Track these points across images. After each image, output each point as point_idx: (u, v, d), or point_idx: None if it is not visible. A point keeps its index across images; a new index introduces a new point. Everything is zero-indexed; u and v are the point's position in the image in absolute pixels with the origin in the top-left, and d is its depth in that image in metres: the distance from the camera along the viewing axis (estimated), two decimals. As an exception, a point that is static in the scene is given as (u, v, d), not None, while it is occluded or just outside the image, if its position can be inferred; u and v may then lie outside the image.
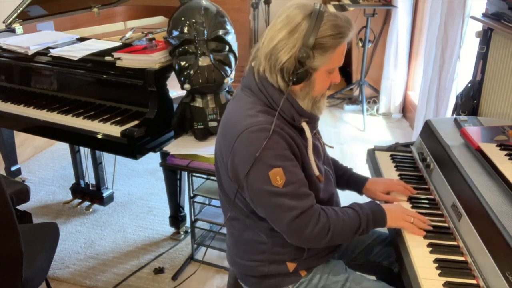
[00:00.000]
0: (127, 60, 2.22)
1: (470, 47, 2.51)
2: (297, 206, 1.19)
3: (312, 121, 1.30)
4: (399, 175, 1.65)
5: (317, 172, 1.29)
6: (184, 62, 2.10)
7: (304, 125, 1.27)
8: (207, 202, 2.34)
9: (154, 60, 2.18)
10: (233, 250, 1.42)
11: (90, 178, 2.85)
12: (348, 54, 4.42)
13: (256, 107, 1.22)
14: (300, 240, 1.23)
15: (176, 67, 2.13)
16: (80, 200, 2.81)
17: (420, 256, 1.24)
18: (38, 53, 2.45)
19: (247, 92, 1.28)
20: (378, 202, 1.38)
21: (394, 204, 1.42)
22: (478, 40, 1.88)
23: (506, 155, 1.39)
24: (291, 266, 1.33)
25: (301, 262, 1.34)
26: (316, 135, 1.38)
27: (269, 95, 1.23)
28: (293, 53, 1.17)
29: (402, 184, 1.52)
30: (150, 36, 2.41)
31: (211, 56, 2.11)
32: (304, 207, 1.20)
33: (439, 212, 1.43)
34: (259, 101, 1.24)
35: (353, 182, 1.56)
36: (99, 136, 2.20)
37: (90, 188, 2.85)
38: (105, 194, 2.80)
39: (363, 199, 1.45)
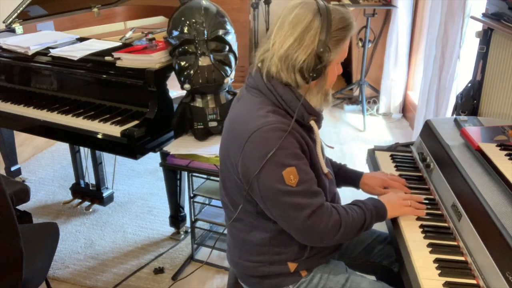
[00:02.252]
0: (127, 60, 2.22)
1: (470, 47, 2.52)
2: (310, 204, 1.20)
3: (319, 119, 1.32)
4: (399, 175, 1.64)
5: (325, 170, 1.30)
6: (184, 62, 2.10)
7: (313, 123, 1.28)
8: (207, 202, 2.34)
9: (154, 60, 2.18)
10: (234, 250, 1.42)
11: (90, 178, 2.85)
12: (348, 54, 4.41)
13: (266, 107, 1.23)
14: (313, 238, 1.24)
15: (176, 67, 2.13)
16: (80, 200, 2.81)
17: (420, 256, 1.24)
18: (38, 53, 2.45)
19: (254, 92, 1.28)
20: (376, 197, 1.40)
21: (388, 194, 1.44)
22: (478, 40, 1.88)
23: (506, 155, 1.39)
24: (292, 266, 1.33)
25: (302, 262, 1.34)
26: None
27: (278, 94, 1.23)
28: (312, 50, 1.19)
29: (397, 179, 1.56)
30: (150, 36, 2.41)
31: (211, 56, 2.11)
32: (316, 204, 1.20)
33: (439, 212, 1.43)
34: (268, 101, 1.24)
35: (349, 177, 1.58)
36: (99, 136, 2.20)
37: (90, 188, 2.85)
38: (105, 194, 2.80)
39: (359, 196, 1.45)
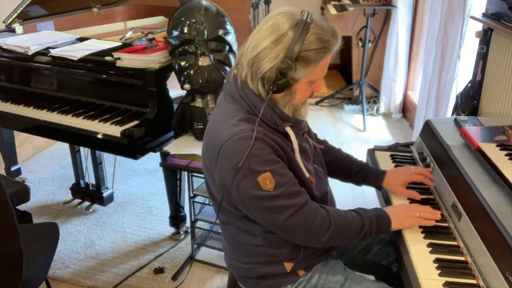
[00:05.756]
0: (127, 60, 2.22)
1: (470, 47, 2.51)
2: (292, 204, 1.19)
3: (297, 125, 1.28)
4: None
5: (307, 174, 1.28)
6: (184, 62, 2.11)
7: (289, 130, 1.25)
8: (207, 202, 2.34)
9: (154, 60, 2.18)
10: (230, 253, 1.42)
11: (90, 178, 2.85)
12: (348, 54, 4.42)
13: (238, 115, 1.21)
14: (300, 236, 1.23)
15: (176, 67, 2.13)
16: (80, 200, 2.81)
17: (420, 256, 1.24)
18: (38, 53, 2.45)
19: (229, 99, 1.27)
20: (382, 208, 1.37)
21: (397, 205, 1.41)
22: (478, 40, 1.88)
23: (506, 155, 1.39)
24: (288, 266, 1.33)
25: (298, 262, 1.34)
26: (304, 136, 1.38)
27: (251, 102, 1.22)
28: (276, 63, 1.15)
29: (422, 171, 1.52)
30: (150, 36, 2.41)
31: (211, 56, 2.11)
32: (299, 204, 1.20)
33: (439, 212, 1.43)
34: (241, 109, 1.23)
35: (371, 177, 1.54)
36: (99, 136, 2.20)
37: (90, 188, 2.85)
38: (105, 194, 2.80)
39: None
